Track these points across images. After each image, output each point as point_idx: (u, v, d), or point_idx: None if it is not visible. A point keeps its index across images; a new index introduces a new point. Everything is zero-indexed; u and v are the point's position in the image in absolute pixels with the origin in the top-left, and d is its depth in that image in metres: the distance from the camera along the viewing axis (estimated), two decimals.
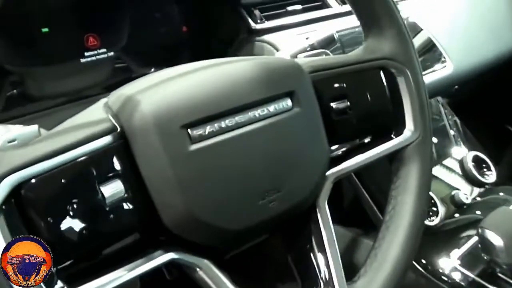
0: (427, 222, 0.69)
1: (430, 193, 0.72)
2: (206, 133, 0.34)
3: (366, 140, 0.47)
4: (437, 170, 0.82)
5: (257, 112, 0.37)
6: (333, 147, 0.45)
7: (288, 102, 0.39)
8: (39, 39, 0.63)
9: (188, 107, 0.33)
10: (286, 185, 0.38)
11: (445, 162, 0.85)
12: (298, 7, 0.81)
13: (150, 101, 0.33)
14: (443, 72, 0.88)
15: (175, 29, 0.77)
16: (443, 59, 0.89)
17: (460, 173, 0.81)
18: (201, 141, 0.34)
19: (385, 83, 0.46)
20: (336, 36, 0.57)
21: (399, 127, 0.46)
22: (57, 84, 0.67)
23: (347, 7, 0.85)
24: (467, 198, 0.74)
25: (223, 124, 0.35)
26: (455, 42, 0.92)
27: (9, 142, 0.32)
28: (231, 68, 0.37)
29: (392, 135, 0.46)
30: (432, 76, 0.87)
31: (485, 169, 0.82)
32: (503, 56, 0.95)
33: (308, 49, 0.55)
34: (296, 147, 0.39)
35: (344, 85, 0.45)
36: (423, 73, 0.84)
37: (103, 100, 0.37)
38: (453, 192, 0.75)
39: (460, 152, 0.86)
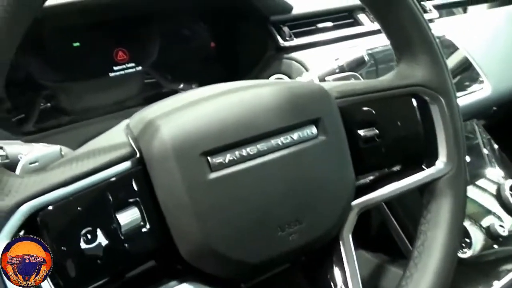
0: (459, 254, 0.65)
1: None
2: (227, 161, 0.33)
3: (395, 169, 0.45)
4: (470, 191, 0.78)
5: (280, 140, 0.35)
6: (360, 176, 0.42)
7: (313, 130, 0.37)
8: (71, 54, 0.64)
9: (208, 134, 0.32)
10: (307, 217, 0.36)
11: (478, 182, 0.81)
12: (329, 24, 0.79)
13: (170, 127, 0.32)
14: (481, 94, 0.85)
15: (203, 45, 0.77)
16: (480, 80, 0.85)
17: (495, 195, 0.76)
18: (221, 170, 0.33)
19: (417, 111, 0.44)
20: (366, 57, 0.55)
21: (431, 158, 0.44)
22: (89, 98, 0.68)
23: None
24: (504, 231, 0.70)
25: (244, 152, 0.34)
26: (493, 63, 0.88)
27: (31, 163, 0.33)
28: (254, 94, 0.36)
29: (423, 166, 0.44)
30: (469, 98, 0.83)
31: None
32: None
33: (337, 70, 0.53)
34: (320, 177, 0.37)
35: (373, 111, 0.43)
36: (459, 94, 0.82)
37: (125, 122, 0.37)
38: (489, 223, 0.71)
39: (495, 173, 0.81)
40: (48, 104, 0.65)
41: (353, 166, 0.40)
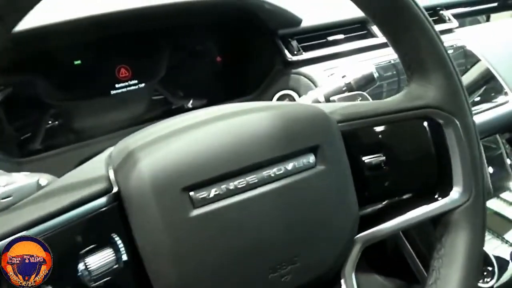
0: (480, 284, 0.60)
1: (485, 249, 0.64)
2: (211, 196, 0.30)
3: (406, 199, 0.41)
4: (492, 203, 0.73)
5: (273, 172, 0.32)
6: (366, 207, 0.39)
7: (311, 159, 0.34)
8: (72, 72, 0.63)
9: (191, 166, 0.30)
10: (303, 255, 0.33)
11: (503, 195, 0.75)
12: (340, 36, 0.76)
13: (149, 159, 0.30)
14: (506, 108, 0.79)
15: (210, 60, 0.75)
16: (505, 92, 0.80)
17: None
18: (205, 206, 0.30)
19: (429, 135, 0.40)
20: (376, 74, 0.51)
21: (445, 187, 0.40)
22: (95, 116, 0.67)
23: None
24: None
25: (231, 186, 0.31)
26: None
27: (3, 198, 0.31)
28: (244, 121, 0.33)
29: (436, 196, 0.40)
30: (493, 112, 0.78)
31: None
32: None
33: (344, 89, 0.50)
34: (318, 210, 0.34)
35: (381, 136, 0.39)
36: (482, 108, 0.77)
37: (109, 150, 0.34)
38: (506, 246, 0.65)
39: None
40: (56, 123, 0.65)
41: (357, 196, 0.36)
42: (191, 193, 0.30)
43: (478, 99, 0.78)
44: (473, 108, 0.76)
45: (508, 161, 0.82)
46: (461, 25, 0.94)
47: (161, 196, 0.29)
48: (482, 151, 0.40)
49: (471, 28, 0.91)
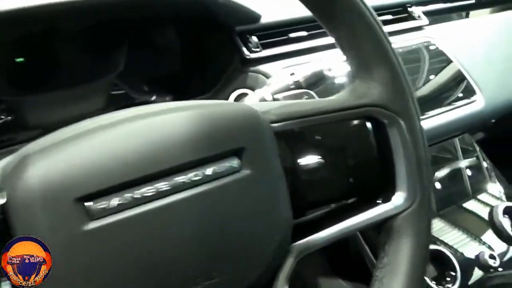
0: None
1: (449, 253, 0.62)
2: (112, 206, 0.27)
3: (347, 204, 0.38)
4: (457, 214, 0.71)
5: (188, 177, 0.29)
6: (304, 213, 0.36)
7: (234, 163, 0.31)
8: (24, 66, 0.60)
9: (88, 173, 0.27)
10: (224, 270, 0.30)
11: (466, 205, 0.74)
12: (303, 33, 0.73)
13: (41, 165, 0.27)
14: (474, 107, 0.77)
15: (170, 56, 0.72)
16: (473, 92, 0.78)
17: (487, 219, 0.69)
18: (104, 217, 0.27)
19: (372, 136, 0.38)
20: (327, 72, 0.48)
21: (388, 192, 0.37)
22: (51, 112, 0.64)
23: None
24: (494, 262, 0.62)
25: (137, 194, 0.28)
26: (488, 73, 0.81)
27: None
28: (158, 122, 0.30)
29: (379, 201, 0.37)
30: (460, 111, 0.76)
31: None
32: None
33: (293, 87, 0.47)
34: (242, 220, 0.31)
35: (319, 137, 0.36)
36: (450, 107, 0.75)
37: (9, 157, 0.31)
38: (478, 253, 0.63)
39: (487, 194, 0.74)
40: (8, 118, 0.62)
41: (292, 203, 0.34)
42: (88, 204, 0.26)
43: (445, 98, 0.76)
44: (440, 108, 0.75)
45: (485, 164, 0.80)
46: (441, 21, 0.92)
47: (52, 207, 0.26)
48: (428, 153, 0.38)
49: (443, 26, 0.89)
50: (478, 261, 0.63)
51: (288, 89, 0.47)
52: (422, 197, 0.37)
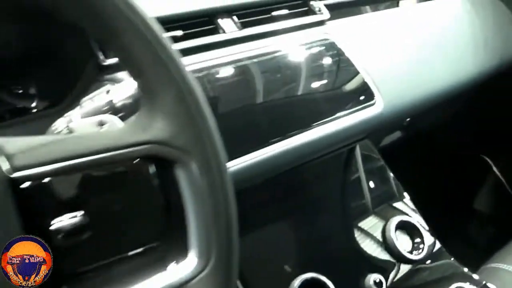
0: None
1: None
2: None
3: (128, 270, 0.30)
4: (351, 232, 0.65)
5: None
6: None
7: None
8: None
9: None
10: None
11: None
12: (179, 32, 0.64)
13: None
14: (372, 111, 0.71)
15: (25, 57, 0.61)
16: (371, 94, 0.72)
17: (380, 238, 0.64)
18: None
19: (157, 181, 0.30)
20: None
21: (179, 251, 0.30)
22: None
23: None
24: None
25: None
26: (389, 74, 0.76)
27: None
28: None
29: (168, 264, 0.30)
30: (359, 115, 0.70)
31: (416, 239, 0.64)
32: (437, 95, 0.78)
33: (106, 108, 0.39)
34: None
35: (83, 188, 0.28)
36: (346, 112, 0.69)
37: None
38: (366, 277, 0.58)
39: (382, 208, 0.69)
40: None
41: (51, 274, 0.26)
42: None
43: (342, 102, 0.70)
44: (336, 113, 0.68)
45: (391, 175, 0.75)
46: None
47: None
48: (233, 200, 0.30)
49: (346, 20, 0.82)
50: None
51: (99, 111, 0.38)
52: (218, 259, 0.29)
